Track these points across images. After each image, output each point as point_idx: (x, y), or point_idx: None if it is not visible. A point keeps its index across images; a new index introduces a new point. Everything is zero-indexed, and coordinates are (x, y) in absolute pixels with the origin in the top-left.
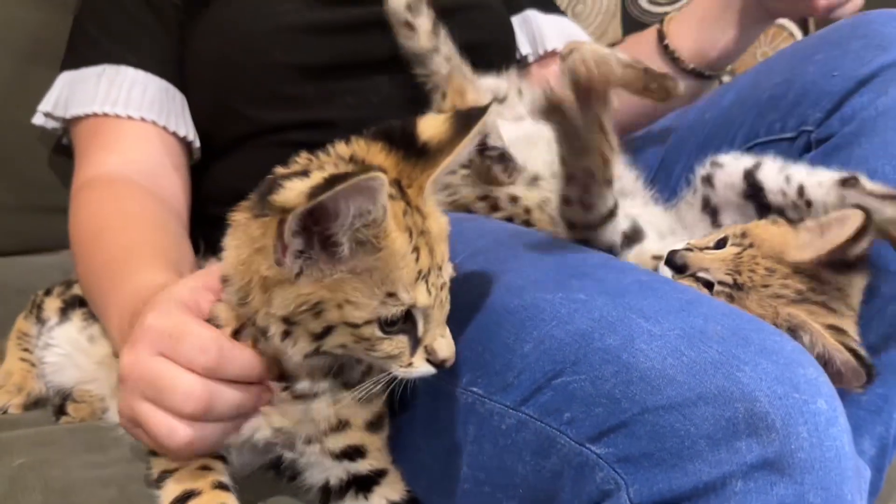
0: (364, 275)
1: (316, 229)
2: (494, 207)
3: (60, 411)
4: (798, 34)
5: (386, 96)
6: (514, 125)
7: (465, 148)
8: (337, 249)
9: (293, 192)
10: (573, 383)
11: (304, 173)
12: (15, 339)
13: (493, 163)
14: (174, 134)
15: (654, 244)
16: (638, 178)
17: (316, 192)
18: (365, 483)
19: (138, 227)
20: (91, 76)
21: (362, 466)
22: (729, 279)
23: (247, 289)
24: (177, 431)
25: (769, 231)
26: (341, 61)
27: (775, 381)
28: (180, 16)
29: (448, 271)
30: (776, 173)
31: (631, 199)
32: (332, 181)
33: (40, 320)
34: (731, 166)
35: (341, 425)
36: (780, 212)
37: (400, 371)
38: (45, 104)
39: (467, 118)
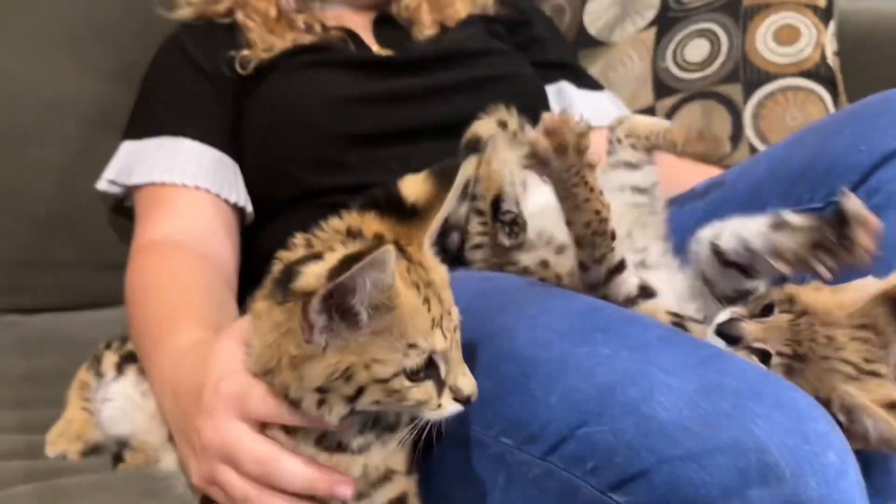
0: (384, 334)
1: (335, 304)
2: (525, 271)
3: (118, 458)
4: (825, 96)
5: (427, 160)
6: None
7: (452, 201)
8: (357, 318)
9: (312, 276)
10: (596, 434)
11: (317, 256)
12: (77, 388)
13: (502, 225)
14: (226, 201)
15: (671, 301)
16: (666, 251)
17: (334, 273)
18: None
19: (184, 289)
20: (151, 147)
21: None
22: (789, 350)
23: (274, 368)
24: (249, 494)
25: (814, 296)
26: (385, 129)
27: (786, 434)
28: (237, 89)
29: (456, 314)
30: (730, 236)
31: (654, 272)
32: (348, 261)
33: (99, 374)
34: (703, 241)
35: (388, 474)
36: (751, 271)
37: (432, 415)
38: (110, 172)
39: (445, 174)
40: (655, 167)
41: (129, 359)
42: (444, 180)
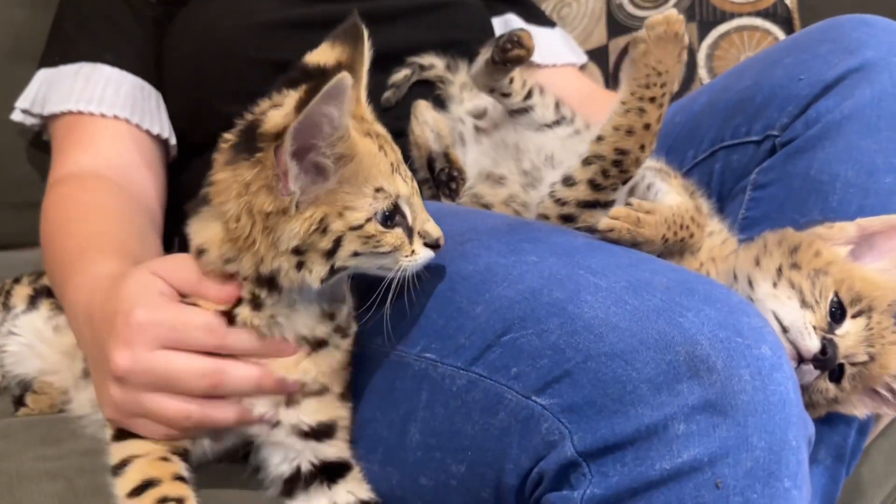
0: (351, 180)
1: (303, 147)
2: None
3: (19, 402)
4: (781, 36)
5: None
6: (483, 136)
7: (369, 54)
8: (324, 168)
9: (278, 116)
10: (521, 338)
11: (274, 106)
12: None
13: (440, 186)
14: (147, 132)
15: None
16: None
17: (302, 104)
18: (331, 473)
19: (101, 219)
20: (68, 74)
21: (330, 452)
22: (865, 357)
23: (242, 246)
24: (191, 412)
25: (871, 280)
26: None
27: (718, 326)
28: (157, 14)
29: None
30: None
31: None
32: (313, 91)
33: (6, 307)
34: None
35: (322, 390)
36: None
37: (407, 262)
38: (23, 101)
39: (348, 33)
40: (544, 97)
41: (44, 293)
42: (350, 38)
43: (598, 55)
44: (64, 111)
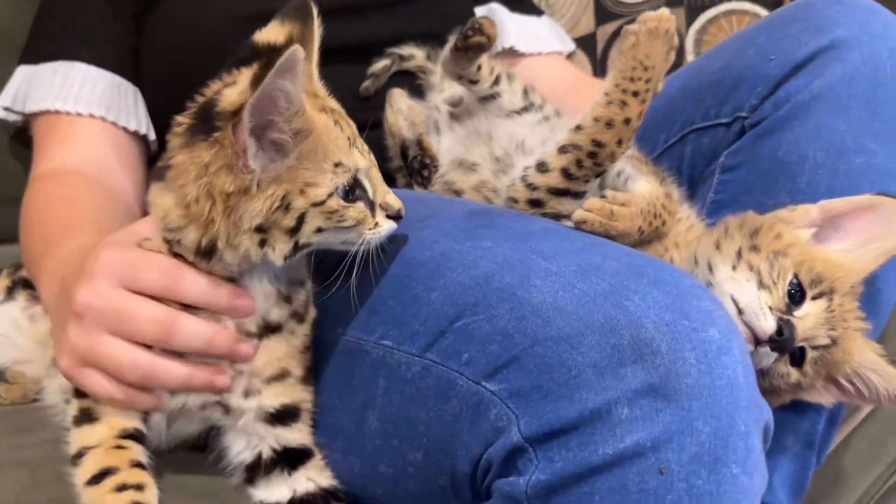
0: (310, 156)
1: (260, 123)
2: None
3: None
4: None
5: (337, 85)
6: (457, 125)
7: (319, 31)
8: (283, 143)
9: (234, 94)
10: (472, 324)
11: (228, 85)
12: None
13: (413, 174)
14: (124, 129)
15: None
16: None
17: (257, 80)
18: (292, 460)
19: (79, 208)
20: (46, 73)
21: (293, 437)
22: (827, 340)
23: (203, 223)
24: (138, 360)
25: (831, 261)
26: None
27: (664, 309)
28: (135, 9)
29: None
30: None
31: None
32: (266, 66)
33: None
34: None
35: (283, 374)
36: None
37: (371, 235)
38: (4, 99)
39: (297, 10)
40: (512, 83)
41: (20, 284)
42: (300, 15)
43: (585, 43)
44: (42, 110)
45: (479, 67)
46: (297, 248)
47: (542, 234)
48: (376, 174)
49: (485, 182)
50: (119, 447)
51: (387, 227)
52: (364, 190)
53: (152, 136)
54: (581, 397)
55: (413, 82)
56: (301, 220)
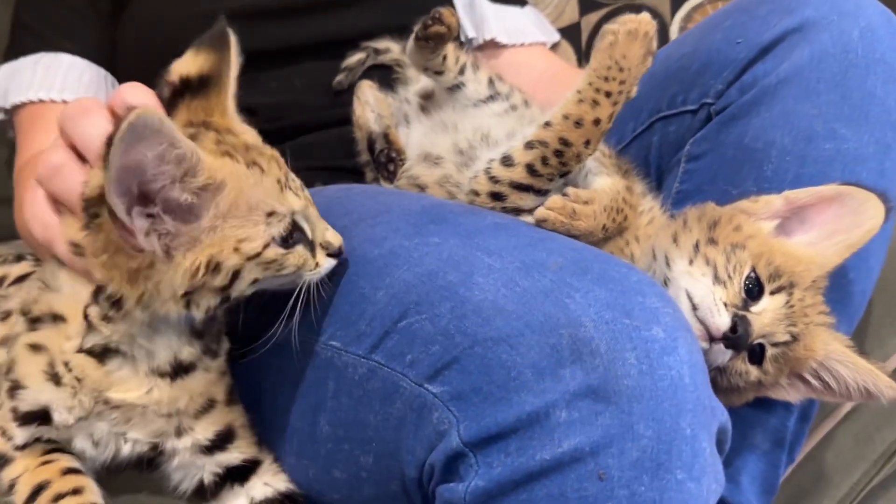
0: (233, 211)
1: (138, 195)
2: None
3: None
4: None
5: (310, 81)
6: (425, 117)
7: (237, 61)
8: (185, 207)
9: (95, 178)
10: (415, 324)
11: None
12: None
13: (379, 167)
14: None
15: None
16: None
17: (104, 160)
18: (239, 475)
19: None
20: (28, 65)
21: (233, 457)
22: (787, 337)
23: (117, 306)
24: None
25: (791, 253)
26: (264, 48)
27: (604, 307)
28: (111, 6)
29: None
30: None
31: None
32: (108, 143)
33: None
34: None
35: (209, 405)
36: None
37: (310, 275)
38: None
39: (214, 39)
40: (477, 73)
41: None
42: (217, 44)
43: (570, 33)
44: (25, 101)
45: (445, 58)
46: (226, 300)
47: (491, 230)
48: (313, 212)
49: (448, 176)
50: (46, 462)
51: (327, 265)
52: (302, 232)
53: None
54: (520, 400)
55: (389, 77)
56: (235, 276)
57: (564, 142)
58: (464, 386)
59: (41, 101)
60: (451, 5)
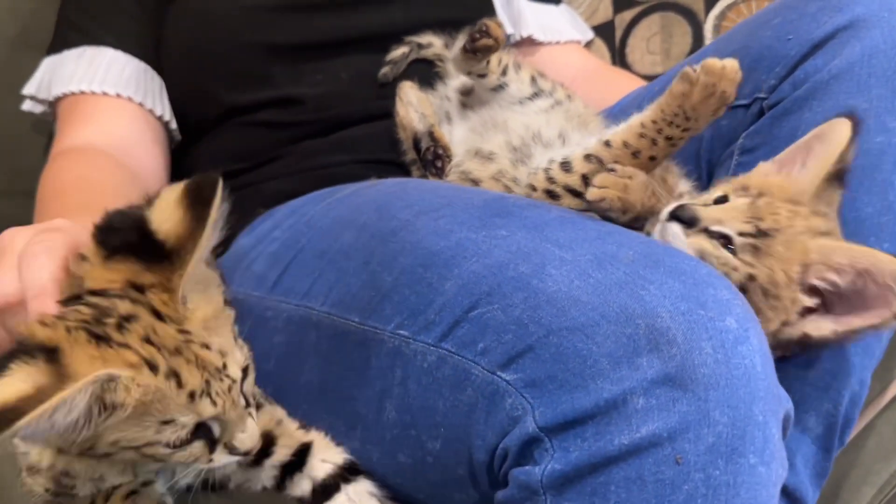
0: (124, 420)
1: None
2: None
3: None
4: None
5: (355, 73)
6: (468, 114)
7: (208, 241)
8: (72, 427)
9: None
10: (487, 313)
11: (3, 367)
12: None
13: (426, 165)
14: (151, 111)
15: None
16: None
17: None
18: (296, 462)
19: (94, 193)
20: (72, 58)
21: (282, 454)
22: (751, 227)
23: None
24: None
25: (769, 179)
26: (311, 40)
27: (679, 299)
28: (157, 2)
29: (238, 362)
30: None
31: None
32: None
33: None
34: None
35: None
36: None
37: (202, 465)
38: (30, 87)
39: (201, 191)
40: (519, 72)
41: None
42: (201, 199)
43: (603, 30)
44: (67, 93)
45: (488, 62)
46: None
47: (558, 224)
48: (234, 415)
49: (503, 171)
50: None
51: (223, 461)
52: (209, 431)
53: (174, 125)
54: (596, 387)
55: (430, 72)
56: (107, 455)
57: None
58: (538, 373)
59: (82, 93)
60: (489, 3)
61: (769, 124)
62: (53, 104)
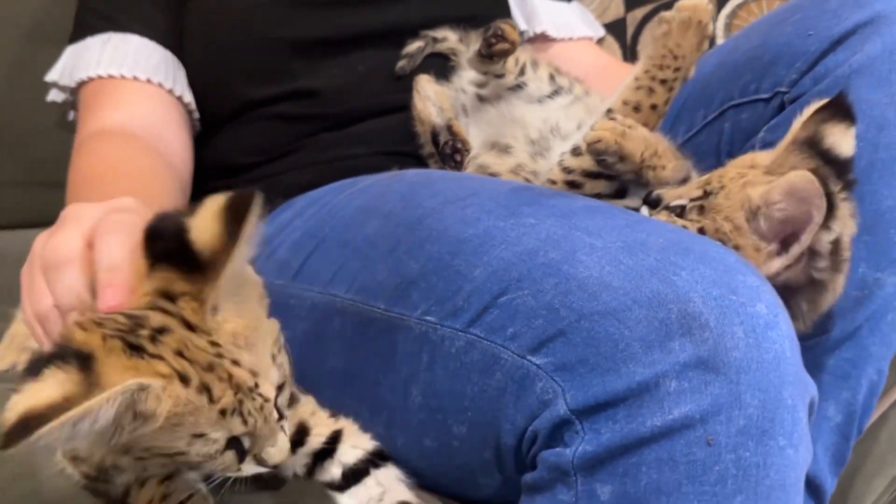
0: (156, 432)
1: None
2: None
3: None
4: None
5: (372, 67)
6: (485, 107)
7: (241, 256)
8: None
9: (13, 411)
10: (517, 299)
11: (35, 369)
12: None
13: (445, 158)
14: (179, 98)
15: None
16: None
17: (12, 434)
18: (328, 449)
19: (130, 180)
20: (96, 44)
21: (314, 442)
22: (700, 192)
23: None
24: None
25: (746, 157)
26: (329, 36)
27: (711, 284)
28: None
29: (271, 381)
30: None
31: None
32: (29, 420)
33: None
34: None
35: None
36: None
37: (230, 473)
38: (52, 74)
39: (239, 207)
40: (537, 70)
41: None
42: (236, 216)
43: (615, 28)
44: (93, 77)
45: (504, 62)
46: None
47: (585, 212)
48: (266, 430)
49: (521, 165)
50: None
51: (250, 470)
52: (240, 443)
53: (196, 115)
54: (628, 370)
55: (446, 64)
56: (140, 460)
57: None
58: (569, 357)
59: (111, 77)
60: (506, 3)
61: (790, 118)
62: (76, 91)
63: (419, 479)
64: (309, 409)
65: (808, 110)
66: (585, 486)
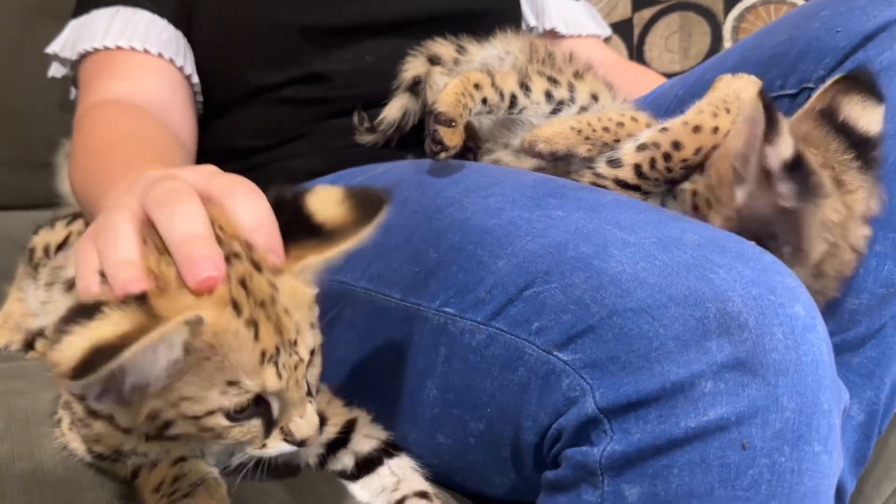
0: (195, 370)
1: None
2: None
3: (29, 347)
4: None
5: (381, 55)
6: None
7: (367, 236)
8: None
9: (68, 351)
10: (544, 292)
11: (95, 310)
12: (16, 281)
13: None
14: (189, 77)
15: None
16: None
17: (88, 363)
18: (341, 439)
19: (143, 144)
20: (103, 16)
21: (329, 432)
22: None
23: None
24: None
25: None
26: (341, 23)
27: (750, 284)
28: None
29: (307, 344)
30: None
31: None
32: (102, 351)
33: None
34: None
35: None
36: None
37: (252, 451)
38: (54, 46)
39: (367, 202)
40: (530, 94)
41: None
42: (364, 209)
43: (622, 28)
44: (98, 48)
45: (485, 100)
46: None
47: (615, 206)
48: (295, 396)
49: (541, 167)
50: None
51: (277, 449)
52: (268, 407)
53: (200, 98)
54: (662, 370)
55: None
56: (167, 426)
57: (676, 144)
58: (599, 354)
59: (118, 48)
60: None
61: None
62: (77, 64)
63: (431, 476)
64: (325, 398)
65: (830, 81)
66: (612, 486)
